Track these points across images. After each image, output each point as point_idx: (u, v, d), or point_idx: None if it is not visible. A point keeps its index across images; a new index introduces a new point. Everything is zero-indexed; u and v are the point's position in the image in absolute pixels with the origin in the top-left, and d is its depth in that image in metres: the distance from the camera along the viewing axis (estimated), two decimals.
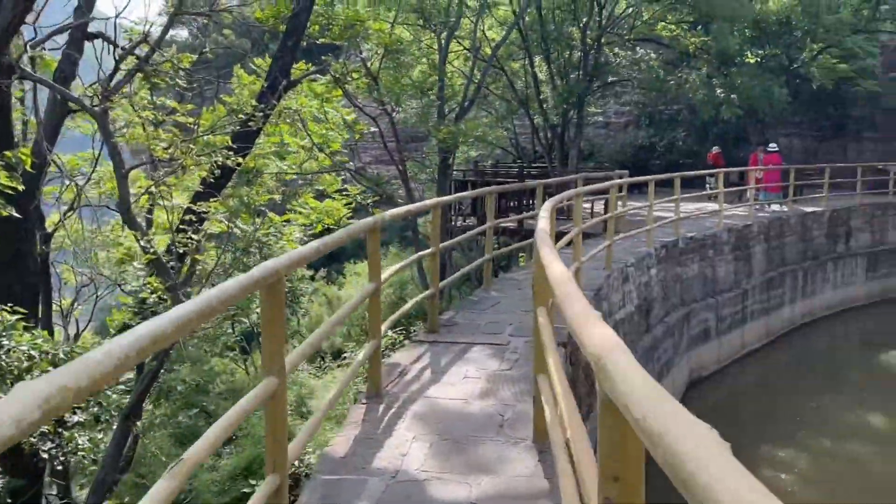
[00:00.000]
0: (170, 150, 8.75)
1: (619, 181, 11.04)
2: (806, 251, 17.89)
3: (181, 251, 8.73)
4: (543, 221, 4.56)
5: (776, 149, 17.76)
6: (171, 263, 8.16)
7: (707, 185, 19.97)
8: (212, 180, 8.92)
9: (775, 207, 17.69)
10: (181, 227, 8.91)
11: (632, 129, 33.21)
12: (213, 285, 5.63)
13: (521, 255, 15.02)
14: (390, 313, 6.01)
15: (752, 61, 18.40)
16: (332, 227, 11.75)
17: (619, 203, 12.34)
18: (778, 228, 16.72)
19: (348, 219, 12.25)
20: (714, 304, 14.03)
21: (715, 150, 21.52)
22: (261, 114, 9.32)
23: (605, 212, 13.58)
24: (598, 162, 29.99)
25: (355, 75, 13.23)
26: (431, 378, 5.52)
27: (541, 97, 16.87)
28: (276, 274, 2.69)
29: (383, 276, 5.02)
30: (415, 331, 10.78)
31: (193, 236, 8.74)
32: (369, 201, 12.91)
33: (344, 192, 12.97)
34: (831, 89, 22.26)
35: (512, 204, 16.76)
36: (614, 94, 18.44)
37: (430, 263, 6.68)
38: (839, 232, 19.10)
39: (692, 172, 15.22)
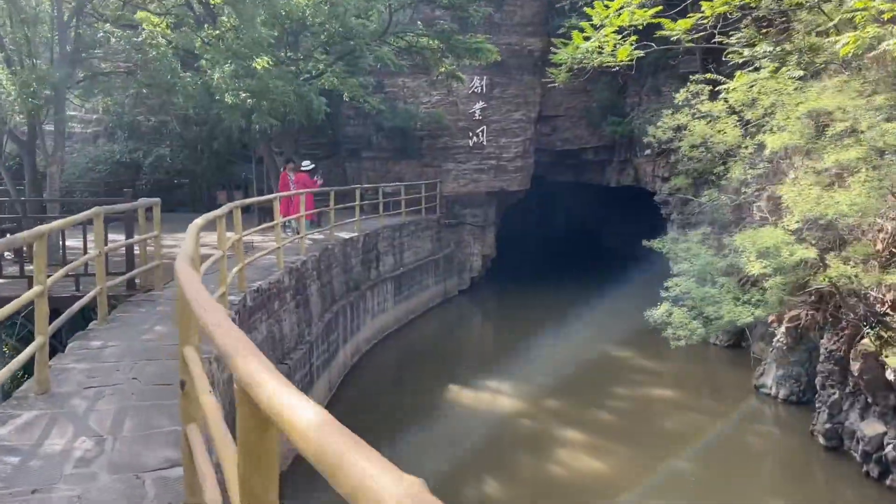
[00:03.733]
0: None
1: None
2: (348, 282, 15.99)
3: None
4: None
5: (311, 166, 15.23)
6: None
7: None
8: None
9: (316, 237, 15.21)
10: None
11: (104, 142, 27.40)
12: None
13: None
14: None
15: (262, 65, 15.08)
16: None
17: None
18: (327, 261, 14.31)
19: None
20: (286, 370, 10.67)
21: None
22: None
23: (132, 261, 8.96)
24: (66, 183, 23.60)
25: None
26: None
27: None
28: None
29: None
30: None
31: None
32: None
33: None
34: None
35: None
36: (111, 87, 13.15)
37: None
38: (371, 258, 17.85)
39: (259, 198, 11.56)
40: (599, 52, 15.78)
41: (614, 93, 25.80)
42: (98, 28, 11.79)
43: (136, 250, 9.29)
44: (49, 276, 5.83)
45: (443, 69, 19.16)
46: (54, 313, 6.52)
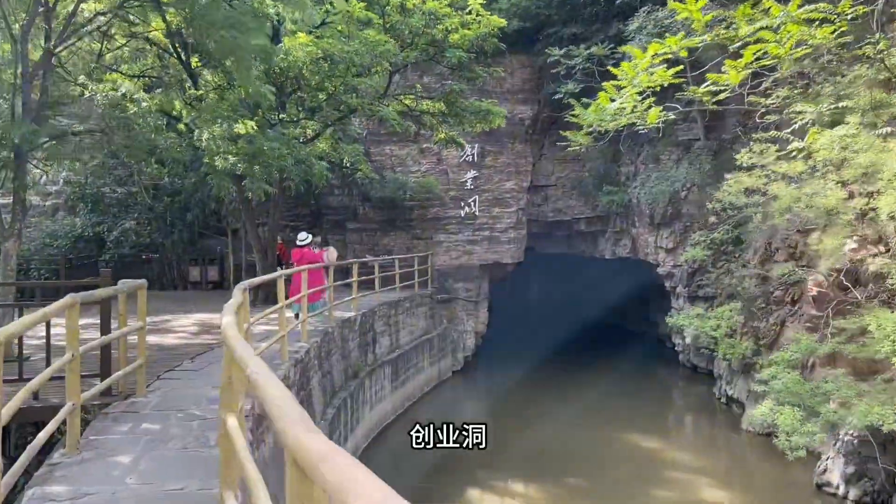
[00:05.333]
0: None
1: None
2: (347, 370, 14.10)
3: None
4: None
5: (308, 239, 13.47)
6: None
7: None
8: None
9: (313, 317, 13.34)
10: None
11: (64, 215, 25.30)
12: None
13: None
14: None
15: (247, 129, 13.37)
16: None
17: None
18: (327, 347, 12.47)
19: None
20: None
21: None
22: None
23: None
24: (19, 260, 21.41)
25: None
26: None
27: None
28: None
29: None
30: None
31: None
32: None
33: None
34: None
35: None
36: (81, 150, 11.19)
37: None
38: (368, 339, 16.00)
39: (265, 277, 9.75)
40: (619, 115, 14.80)
41: (608, 161, 24.83)
42: (69, 81, 10.15)
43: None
44: (10, 387, 4.01)
45: (441, 135, 17.83)
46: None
